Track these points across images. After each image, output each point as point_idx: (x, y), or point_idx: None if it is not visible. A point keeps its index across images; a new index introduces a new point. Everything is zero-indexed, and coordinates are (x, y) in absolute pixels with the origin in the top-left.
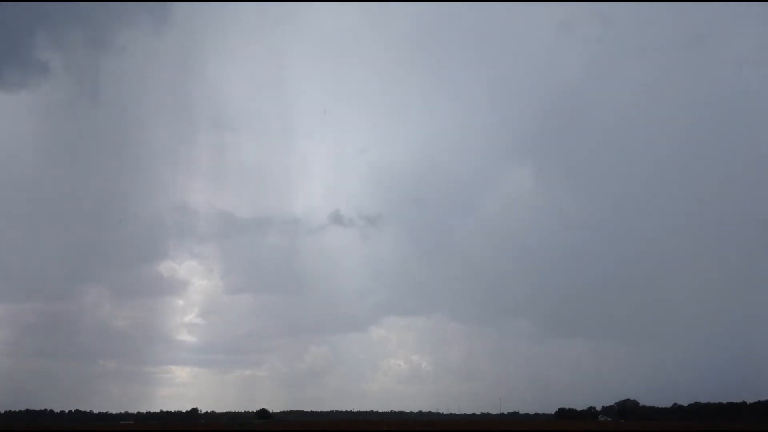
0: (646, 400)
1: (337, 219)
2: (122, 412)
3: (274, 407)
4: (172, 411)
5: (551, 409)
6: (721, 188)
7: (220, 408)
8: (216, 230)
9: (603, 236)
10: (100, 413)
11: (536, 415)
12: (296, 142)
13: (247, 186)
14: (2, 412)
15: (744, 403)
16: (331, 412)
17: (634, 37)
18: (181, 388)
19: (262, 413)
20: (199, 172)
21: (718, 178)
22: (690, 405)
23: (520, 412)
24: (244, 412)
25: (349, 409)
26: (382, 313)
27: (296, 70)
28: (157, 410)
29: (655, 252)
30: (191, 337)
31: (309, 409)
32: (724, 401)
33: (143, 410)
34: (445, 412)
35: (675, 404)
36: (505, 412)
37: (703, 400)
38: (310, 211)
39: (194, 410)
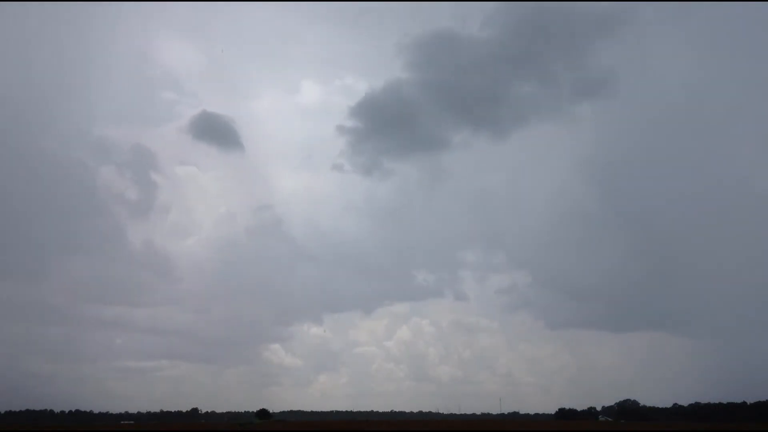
0: (646, 400)
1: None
2: (122, 412)
3: (273, 406)
4: (172, 411)
5: (551, 409)
6: None
7: (220, 408)
8: None
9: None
10: (100, 413)
11: (536, 415)
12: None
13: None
14: (2, 412)
15: (744, 403)
16: (331, 412)
17: None
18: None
19: (262, 413)
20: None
21: None
22: (690, 405)
23: (520, 412)
24: (244, 412)
25: (349, 409)
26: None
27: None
28: (157, 410)
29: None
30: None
31: (309, 409)
32: (724, 401)
33: (143, 410)
34: (445, 412)
35: (675, 404)
36: (505, 412)
37: (703, 400)
38: None
39: (194, 410)
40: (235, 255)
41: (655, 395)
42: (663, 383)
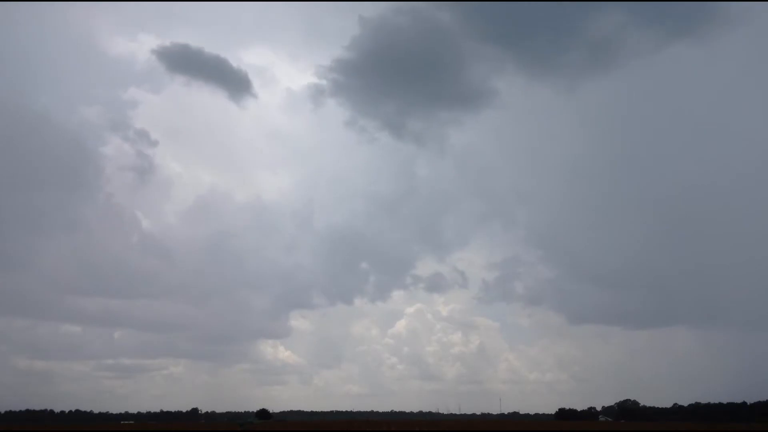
0: (646, 400)
1: None
2: (122, 412)
3: (273, 406)
4: (172, 411)
5: (551, 409)
6: None
7: (220, 408)
8: None
9: None
10: (100, 413)
11: (536, 415)
12: None
13: None
14: (2, 412)
15: (744, 403)
16: (331, 412)
17: None
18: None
19: (262, 413)
20: None
21: None
22: (690, 405)
23: (520, 412)
24: (244, 411)
25: (350, 409)
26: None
27: None
28: (157, 410)
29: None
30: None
31: (309, 409)
32: (724, 401)
33: (143, 410)
34: (445, 412)
35: (675, 404)
36: (506, 412)
37: (703, 400)
38: None
39: (194, 410)
40: (231, 245)
41: (655, 395)
42: (664, 383)
